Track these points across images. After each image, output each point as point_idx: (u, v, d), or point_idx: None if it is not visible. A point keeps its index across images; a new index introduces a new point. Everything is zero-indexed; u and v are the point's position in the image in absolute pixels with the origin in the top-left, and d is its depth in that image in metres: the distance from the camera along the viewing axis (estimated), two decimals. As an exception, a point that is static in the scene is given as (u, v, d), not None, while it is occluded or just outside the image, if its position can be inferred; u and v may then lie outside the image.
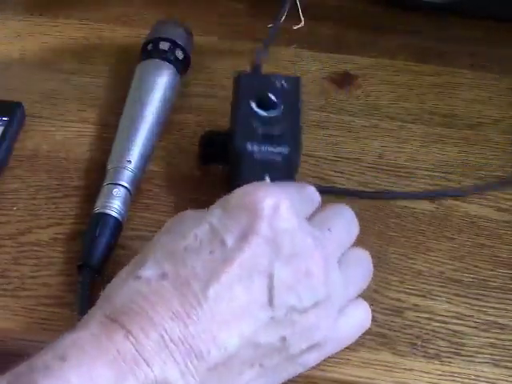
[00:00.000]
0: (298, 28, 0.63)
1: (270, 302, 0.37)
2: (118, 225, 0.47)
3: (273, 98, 0.48)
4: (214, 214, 0.39)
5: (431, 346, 0.45)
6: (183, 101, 0.57)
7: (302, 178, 0.53)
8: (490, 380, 0.44)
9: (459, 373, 0.44)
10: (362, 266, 0.44)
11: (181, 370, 0.34)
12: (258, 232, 0.37)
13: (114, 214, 0.47)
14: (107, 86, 0.59)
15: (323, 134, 0.56)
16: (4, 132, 0.52)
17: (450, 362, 0.45)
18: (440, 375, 0.44)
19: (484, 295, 0.48)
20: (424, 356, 0.45)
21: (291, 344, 0.38)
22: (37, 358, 0.34)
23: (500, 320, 0.47)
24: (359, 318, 0.43)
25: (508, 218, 0.52)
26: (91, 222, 0.47)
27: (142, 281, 0.37)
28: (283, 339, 0.37)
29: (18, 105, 0.54)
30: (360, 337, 0.45)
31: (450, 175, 0.53)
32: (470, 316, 0.47)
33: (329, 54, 0.62)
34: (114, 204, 0.47)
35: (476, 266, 0.49)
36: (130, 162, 0.49)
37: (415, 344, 0.45)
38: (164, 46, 0.56)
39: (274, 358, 0.38)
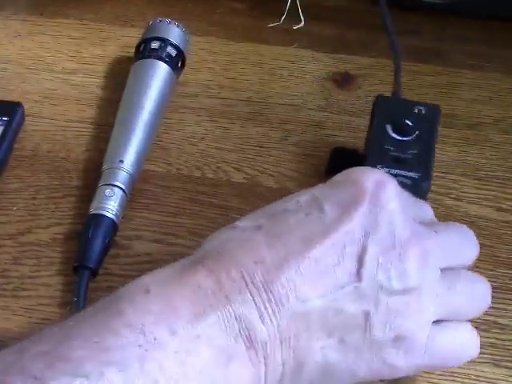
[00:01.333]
0: (298, 28, 0.63)
1: (358, 271, 0.36)
2: (113, 225, 0.47)
3: (409, 123, 0.48)
4: (318, 187, 0.39)
5: (431, 346, 0.45)
6: (183, 100, 0.57)
7: (301, 177, 0.53)
8: (490, 380, 0.44)
9: (459, 373, 0.44)
10: (473, 290, 0.41)
11: (259, 311, 0.34)
12: (359, 206, 0.37)
13: (107, 214, 0.47)
14: (107, 86, 0.59)
15: (323, 133, 0.56)
16: (4, 132, 0.52)
17: (449, 362, 0.45)
18: (440, 375, 0.44)
19: (484, 295, 0.48)
20: (424, 356, 0.45)
21: (375, 324, 0.36)
22: (124, 289, 0.35)
23: (500, 320, 0.46)
24: (462, 337, 0.40)
25: (508, 218, 0.52)
26: (85, 223, 0.47)
27: (237, 229, 0.38)
28: (366, 314, 0.36)
29: (18, 105, 0.54)
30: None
31: (450, 175, 0.53)
32: (469, 316, 0.47)
33: (329, 54, 0.62)
34: (108, 205, 0.47)
35: (476, 266, 0.49)
36: (122, 161, 0.49)
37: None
38: (155, 44, 0.56)
39: (356, 334, 0.36)
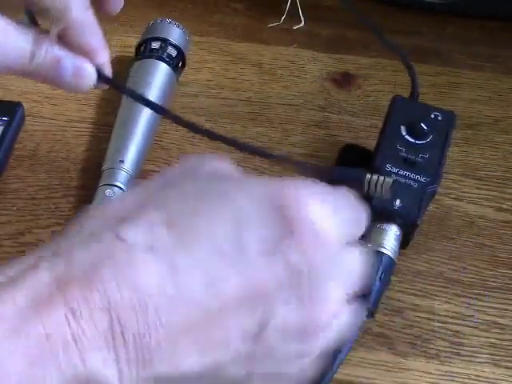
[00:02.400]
0: (298, 28, 0.63)
1: (256, 336, 0.30)
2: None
3: (424, 127, 0.48)
4: (242, 207, 0.31)
5: (431, 346, 0.45)
6: (183, 100, 0.57)
7: (301, 177, 0.53)
8: (490, 380, 0.44)
9: (459, 373, 0.44)
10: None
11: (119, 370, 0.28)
12: (285, 255, 0.30)
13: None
14: (107, 85, 0.58)
15: (323, 133, 0.56)
16: (4, 132, 0.52)
17: (449, 362, 0.45)
18: (440, 375, 0.44)
19: (484, 295, 0.48)
20: (424, 356, 0.45)
21: (254, 380, 0.32)
22: None
23: (500, 320, 0.47)
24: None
25: (508, 218, 0.52)
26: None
27: (124, 246, 0.29)
28: (249, 377, 0.32)
29: (18, 105, 0.54)
30: (360, 337, 0.45)
31: (450, 175, 0.53)
32: (469, 316, 0.47)
33: (329, 54, 0.62)
34: (108, 205, 0.47)
35: (476, 266, 0.49)
36: (122, 161, 0.49)
37: (415, 344, 0.45)
38: (155, 44, 0.56)
39: None
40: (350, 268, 0.33)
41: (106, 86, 0.38)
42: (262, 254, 0.30)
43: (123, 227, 0.29)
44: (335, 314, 0.32)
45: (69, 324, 0.27)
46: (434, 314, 0.47)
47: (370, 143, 0.52)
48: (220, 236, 0.30)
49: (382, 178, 0.40)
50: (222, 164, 0.34)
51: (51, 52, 0.36)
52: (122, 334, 0.27)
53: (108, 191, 0.48)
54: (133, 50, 0.58)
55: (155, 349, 0.28)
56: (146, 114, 0.52)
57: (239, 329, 0.30)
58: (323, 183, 0.34)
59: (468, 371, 0.44)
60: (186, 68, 0.59)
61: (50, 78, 0.36)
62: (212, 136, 0.39)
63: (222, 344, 0.30)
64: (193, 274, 0.29)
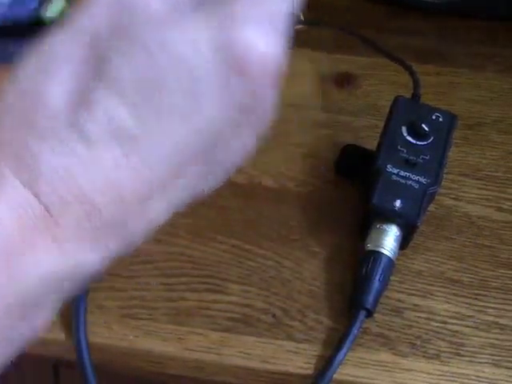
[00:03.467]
0: (298, 28, 0.63)
1: None
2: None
3: (425, 128, 0.49)
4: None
5: (431, 346, 0.45)
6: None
7: (302, 177, 0.53)
8: (490, 380, 0.44)
9: (459, 373, 0.44)
10: None
11: None
12: None
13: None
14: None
15: (323, 133, 0.56)
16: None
17: (449, 362, 0.45)
18: (440, 375, 0.44)
19: (484, 295, 0.48)
20: (424, 356, 0.45)
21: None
22: None
23: (500, 320, 0.47)
24: None
25: (508, 218, 0.52)
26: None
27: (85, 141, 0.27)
28: None
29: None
30: (360, 337, 0.45)
31: (450, 175, 0.53)
32: (469, 316, 0.47)
33: (329, 54, 0.62)
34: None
35: (476, 266, 0.49)
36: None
37: (415, 344, 0.45)
38: None
39: None
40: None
41: None
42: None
43: (81, 119, 0.27)
44: None
45: (44, 217, 0.26)
46: (434, 314, 0.47)
47: (370, 143, 0.52)
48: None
49: None
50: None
51: None
52: (92, 216, 0.27)
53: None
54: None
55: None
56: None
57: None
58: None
59: (468, 371, 0.44)
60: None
61: None
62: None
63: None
64: (153, 146, 0.28)
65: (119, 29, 0.28)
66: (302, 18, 0.63)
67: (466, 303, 0.47)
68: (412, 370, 0.44)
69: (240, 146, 0.32)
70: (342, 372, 0.44)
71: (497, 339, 0.46)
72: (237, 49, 0.28)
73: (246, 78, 0.29)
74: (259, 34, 0.29)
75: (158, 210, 0.31)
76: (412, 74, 0.55)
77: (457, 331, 0.46)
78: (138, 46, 0.28)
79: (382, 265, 0.46)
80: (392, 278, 0.47)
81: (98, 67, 0.28)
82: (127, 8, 0.28)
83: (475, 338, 0.46)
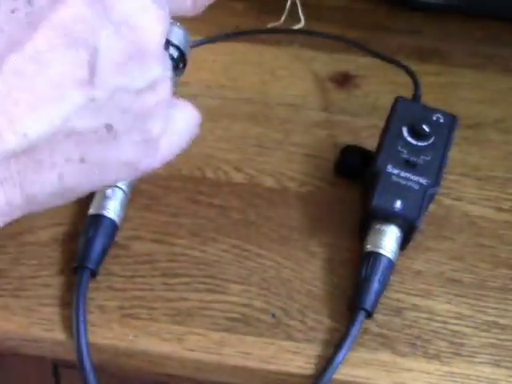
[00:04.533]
0: (298, 28, 0.63)
1: (91, 79, 0.29)
2: (113, 225, 0.47)
3: (426, 128, 0.49)
4: None
5: (431, 346, 0.45)
6: (183, 101, 0.57)
7: (302, 177, 0.53)
8: (490, 380, 0.44)
9: (459, 373, 0.44)
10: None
11: None
12: None
13: (107, 214, 0.47)
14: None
15: (323, 134, 0.56)
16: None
17: (449, 362, 0.45)
18: (440, 375, 0.44)
19: (484, 295, 0.48)
20: (424, 356, 0.45)
21: (120, 134, 0.31)
22: None
23: (500, 320, 0.47)
24: (189, 116, 0.38)
25: (508, 218, 0.52)
26: (85, 223, 0.47)
27: None
28: (109, 127, 0.30)
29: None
30: (360, 337, 0.45)
31: (450, 175, 0.53)
32: (470, 316, 0.47)
33: (329, 54, 0.62)
34: (108, 205, 0.47)
35: (476, 266, 0.49)
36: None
37: (415, 344, 0.45)
38: None
39: (98, 149, 0.31)
40: None
41: None
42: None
43: None
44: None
45: None
46: (434, 314, 0.47)
47: (370, 143, 0.52)
48: None
49: None
50: None
51: None
52: None
53: (108, 191, 0.48)
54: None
55: None
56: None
57: (68, 79, 0.28)
58: None
59: (468, 371, 0.44)
60: (187, 68, 0.59)
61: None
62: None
63: (56, 97, 0.28)
64: None
65: None
66: (302, 18, 0.63)
67: (466, 303, 0.47)
68: (412, 369, 0.44)
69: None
70: (341, 372, 0.44)
71: (497, 339, 0.46)
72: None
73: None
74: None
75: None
76: (410, 74, 0.55)
77: (457, 331, 0.46)
78: None
79: (381, 266, 0.46)
80: (392, 278, 0.47)
81: None
82: None
83: (475, 338, 0.46)
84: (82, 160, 0.30)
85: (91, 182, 0.32)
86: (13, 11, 0.28)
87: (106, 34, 0.29)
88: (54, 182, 0.30)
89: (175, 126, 0.35)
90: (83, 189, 0.32)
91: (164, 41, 0.32)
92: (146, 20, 0.31)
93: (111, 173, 0.32)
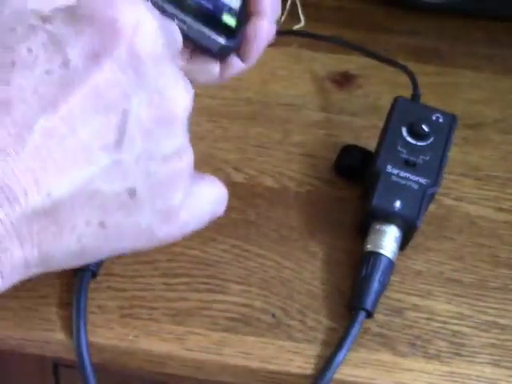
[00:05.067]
0: (298, 28, 0.63)
1: (119, 143, 0.29)
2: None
3: (425, 128, 0.49)
4: (56, 21, 0.29)
5: (431, 346, 0.45)
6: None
7: (301, 177, 0.53)
8: (490, 380, 0.44)
9: (459, 373, 0.44)
10: None
11: None
12: (113, 53, 0.29)
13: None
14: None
15: (323, 134, 0.56)
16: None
17: (449, 362, 0.45)
18: (440, 375, 0.44)
19: (484, 295, 0.48)
20: (424, 356, 0.45)
21: (142, 200, 0.31)
22: None
23: (500, 320, 0.47)
24: (214, 192, 0.37)
25: (508, 218, 0.52)
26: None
27: None
28: (132, 192, 0.30)
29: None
30: (360, 337, 0.45)
31: (450, 175, 0.53)
32: (470, 316, 0.47)
33: (329, 54, 0.62)
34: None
35: (476, 266, 0.49)
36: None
37: (415, 344, 0.45)
38: None
39: (118, 214, 0.31)
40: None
41: None
42: (88, 59, 0.29)
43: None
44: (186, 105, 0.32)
45: None
46: (434, 314, 0.47)
47: (370, 143, 0.52)
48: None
49: None
50: None
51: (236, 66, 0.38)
52: None
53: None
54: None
55: (14, 183, 0.27)
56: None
57: (97, 142, 0.29)
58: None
59: (468, 371, 0.44)
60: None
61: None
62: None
63: (83, 159, 0.29)
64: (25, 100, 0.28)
65: None
66: (302, 18, 0.63)
67: (466, 303, 0.47)
68: (412, 369, 0.44)
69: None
70: (341, 372, 0.44)
71: (497, 339, 0.46)
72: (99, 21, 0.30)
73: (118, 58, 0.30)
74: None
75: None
76: (409, 74, 0.55)
77: (457, 331, 0.46)
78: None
79: (381, 266, 0.46)
80: (392, 278, 0.47)
81: None
82: None
83: (475, 338, 0.46)
84: (102, 224, 0.30)
85: (109, 247, 0.32)
86: (47, 72, 0.28)
87: (137, 100, 0.30)
88: (72, 244, 0.30)
89: (198, 200, 0.35)
90: (101, 253, 0.32)
91: (190, 110, 0.33)
92: (177, 90, 0.32)
93: (129, 239, 0.32)
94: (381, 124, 0.51)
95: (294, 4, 0.63)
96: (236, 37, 0.39)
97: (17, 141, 0.27)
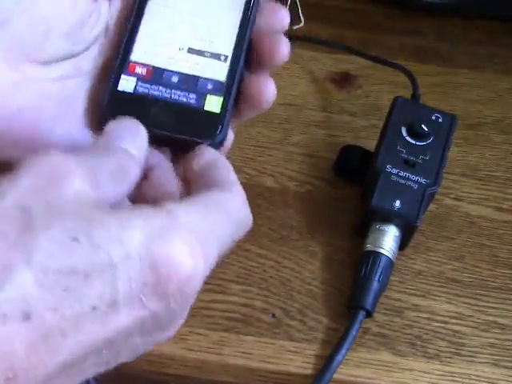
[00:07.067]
0: (298, 28, 0.63)
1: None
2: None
3: (425, 128, 0.49)
4: (116, 251, 0.28)
5: (431, 346, 0.45)
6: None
7: (301, 177, 0.53)
8: (490, 380, 0.44)
9: (459, 373, 0.44)
10: None
11: None
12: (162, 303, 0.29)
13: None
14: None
15: (323, 133, 0.56)
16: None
17: (449, 362, 0.45)
18: (440, 375, 0.44)
19: (484, 295, 0.48)
20: (424, 356, 0.45)
21: (150, 335, 0.31)
22: None
23: (500, 320, 0.47)
24: None
25: (508, 217, 0.52)
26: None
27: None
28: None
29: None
30: (360, 337, 0.45)
31: (450, 175, 0.53)
32: (470, 316, 0.47)
33: (329, 54, 0.62)
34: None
35: (476, 266, 0.49)
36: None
37: (415, 344, 0.45)
38: None
39: (127, 350, 0.31)
40: None
41: None
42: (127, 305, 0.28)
43: None
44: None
45: None
46: (434, 314, 0.47)
47: (370, 143, 0.52)
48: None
49: None
50: (79, 182, 0.29)
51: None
52: None
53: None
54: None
55: None
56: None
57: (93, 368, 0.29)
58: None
59: (468, 371, 0.44)
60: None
61: None
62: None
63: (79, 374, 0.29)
64: (63, 336, 0.27)
65: (47, 208, 0.27)
66: (302, 18, 0.63)
67: (466, 303, 0.47)
68: (412, 369, 0.44)
69: (146, 345, 0.31)
70: (341, 372, 0.44)
71: (497, 339, 0.46)
72: (162, 267, 0.28)
73: (166, 298, 0.29)
74: (186, 252, 0.29)
75: None
76: (408, 74, 0.55)
77: (457, 331, 0.46)
78: (63, 232, 0.27)
79: (381, 265, 0.46)
80: (392, 278, 0.47)
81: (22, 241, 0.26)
82: (53, 185, 0.28)
83: (475, 338, 0.46)
84: (108, 363, 0.30)
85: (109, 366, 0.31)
86: (94, 309, 0.27)
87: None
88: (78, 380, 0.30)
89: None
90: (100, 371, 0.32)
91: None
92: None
93: (128, 357, 0.31)
94: (380, 124, 0.51)
95: (294, 4, 0.63)
96: (222, 125, 0.36)
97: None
